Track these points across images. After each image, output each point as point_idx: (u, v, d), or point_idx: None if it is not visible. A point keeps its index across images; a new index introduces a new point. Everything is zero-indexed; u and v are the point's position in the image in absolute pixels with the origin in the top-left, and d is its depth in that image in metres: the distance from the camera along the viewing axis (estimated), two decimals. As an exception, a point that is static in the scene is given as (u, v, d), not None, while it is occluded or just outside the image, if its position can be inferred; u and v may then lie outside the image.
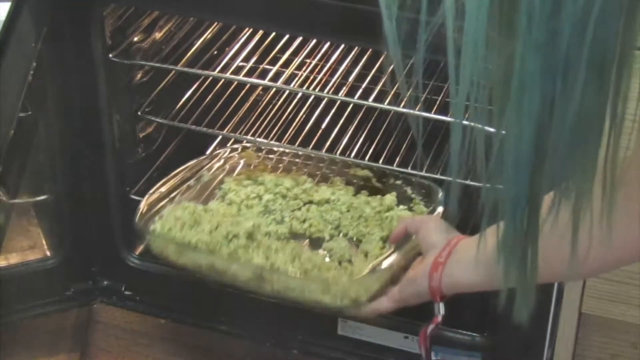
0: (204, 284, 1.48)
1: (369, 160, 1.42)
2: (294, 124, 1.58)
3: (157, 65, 1.46)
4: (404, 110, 1.32)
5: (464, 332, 1.33)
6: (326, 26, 1.21)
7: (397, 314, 1.36)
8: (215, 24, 1.59)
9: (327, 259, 1.25)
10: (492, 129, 0.56)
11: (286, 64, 1.53)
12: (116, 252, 1.48)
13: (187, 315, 1.48)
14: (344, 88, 1.51)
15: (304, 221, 1.32)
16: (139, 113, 1.47)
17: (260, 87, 1.68)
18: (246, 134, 1.55)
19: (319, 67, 1.60)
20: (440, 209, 1.28)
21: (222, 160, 1.43)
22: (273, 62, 1.54)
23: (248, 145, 1.47)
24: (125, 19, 1.39)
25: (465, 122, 0.55)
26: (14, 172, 1.32)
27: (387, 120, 1.52)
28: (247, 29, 1.62)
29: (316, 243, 1.30)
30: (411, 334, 1.35)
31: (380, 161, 1.40)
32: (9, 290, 1.36)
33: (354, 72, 1.51)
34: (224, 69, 1.51)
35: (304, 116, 1.60)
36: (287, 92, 1.65)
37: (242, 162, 1.44)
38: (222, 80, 1.56)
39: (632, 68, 0.54)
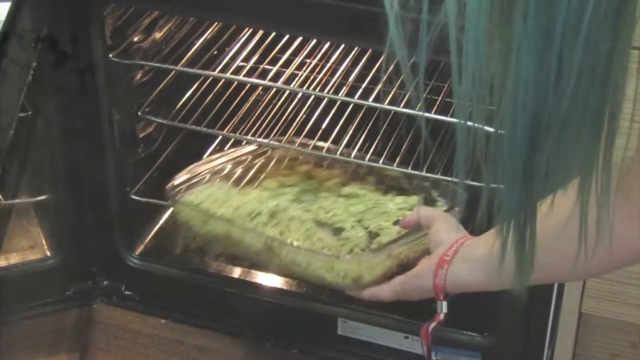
0: (203, 284, 1.48)
1: (369, 160, 1.42)
2: (294, 124, 1.58)
3: (157, 65, 1.46)
4: (404, 110, 1.32)
5: (464, 332, 1.33)
6: (326, 26, 1.21)
7: (397, 314, 1.36)
8: (215, 24, 1.59)
9: (346, 247, 1.28)
10: (491, 128, 0.56)
11: (286, 64, 1.53)
12: (116, 252, 1.48)
13: (187, 315, 1.48)
14: (344, 88, 1.51)
15: (329, 211, 1.35)
16: (139, 113, 1.47)
17: (261, 87, 1.68)
18: (246, 134, 1.55)
19: (319, 67, 1.60)
20: (456, 209, 1.30)
21: (263, 149, 1.47)
22: (273, 62, 1.54)
23: (294, 139, 1.49)
24: (125, 19, 1.39)
25: (469, 123, 0.56)
26: (14, 172, 1.32)
27: (387, 120, 1.52)
28: (247, 29, 1.62)
29: (336, 232, 1.32)
30: (411, 334, 1.35)
31: (381, 161, 1.40)
32: (9, 290, 1.36)
33: (354, 72, 1.51)
34: (224, 69, 1.51)
35: (304, 116, 1.60)
36: (287, 92, 1.64)
37: (279, 153, 1.47)
38: (222, 80, 1.56)
39: (626, 67, 0.54)
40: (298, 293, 1.45)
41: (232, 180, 1.40)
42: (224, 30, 1.62)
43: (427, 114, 1.31)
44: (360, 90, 1.42)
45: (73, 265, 1.46)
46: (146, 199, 1.50)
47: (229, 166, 1.44)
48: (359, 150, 1.44)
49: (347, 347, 1.41)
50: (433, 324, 1.08)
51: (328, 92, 1.49)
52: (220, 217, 1.30)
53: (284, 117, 1.63)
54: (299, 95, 1.64)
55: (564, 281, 1.20)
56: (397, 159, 1.41)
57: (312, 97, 1.60)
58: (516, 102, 0.53)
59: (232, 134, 1.53)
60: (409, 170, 1.39)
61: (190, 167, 1.42)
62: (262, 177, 1.41)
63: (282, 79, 1.45)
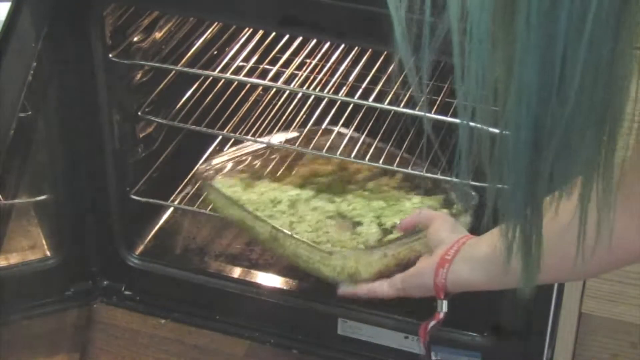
0: (204, 284, 1.48)
1: (369, 160, 1.42)
2: (294, 124, 1.58)
3: (157, 65, 1.46)
4: (404, 110, 1.32)
5: (464, 332, 1.33)
6: (326, 26, 1.21)
7: (397, 314, 1.36)
8: (215, 24, 1.59)
9: (354, 241, 1.30)
10: (496, 130, 0.56)
11: (286, 64, 1.53)
12: (116, 252, 1.48)
13: (187, 315, 1.48)
14: (344, 88, 1.51)
15: (350, 204, 1.36)
16: (139, 113, 1.47)
17: (261, 87, 1.68)
18: (246, 134, 1.55)
19: (319, 67, 1.59)
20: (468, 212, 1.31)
21: (300, 138, 1.48)
22: (273, 62, 1.54)
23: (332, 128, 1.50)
24: (125, 19, 1.39)
25: (472, 124, 0.56)
26: (13, 172, 1.32)
27: (387, 120, 1.52)
28: (247, 29, 1.62)
29: (355, 226, 1.33)
30: (411, 334, 1.35)
31: (381, 161, 1.40)
32: (9, 290, 1.36)
33: (354, 72, 1.51)
34: (224, 69, 1.51)
35: (304, 116, 1.60)
36: (287, 92, 1.64)
37: (315, 142, 1.47)
38: (222, 80, 1.56)
39: (629, 68, 0.54)
40: (298, 293, 1.45)
41: (267, 167, 1.43)
42: (224, 30, 1.62)
43: (429, 115, 1.31)
44: (360, 90, 1.42)
45: (73, 265, 1.46)
46: (146, 199, 1.50)
47: (266, 152, 1.46)
48: (359, 150, 1.44)
49: (347, 347, 1.41)
50: (432, 323, 1.09)
51: (328, 92, 1.49)
52: (236, 203, 1.34)
53: (284, 117, 1.63)
54: (299, 95, 1.64)
55: (564, 281, 1.20)
56: (397, 160, 1.41)
57: (312, 97, 1.60)
58: (520, 105, 0.53)
59: (232, 134, 1.53)
60: (409, 171, 1.39)
61: (227, 150, 1.47)
62: (298, 165, 1.45)
63: (282, 79, 1.45)
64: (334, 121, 1.53)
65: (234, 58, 1.56)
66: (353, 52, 1.56)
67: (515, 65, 0.52)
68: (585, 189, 0.57)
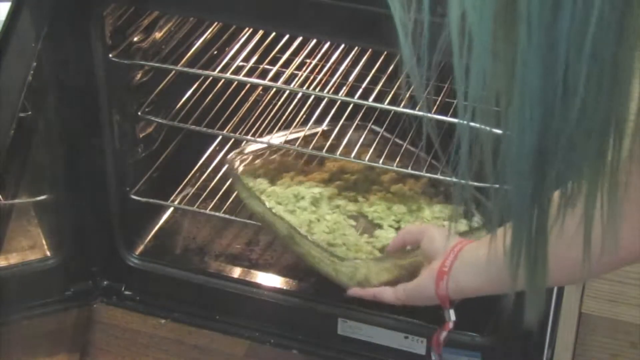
0: (204, 284, 1.48)
1: (368, 160, 1.42)
2: (294, 124, 1.58)
3: (157, 65, 1.46)
4: (404, 110, 1.32)
5: (464, 332, 1.33)
6: (326, 26, 1.21)
7: (397, 314, 1.36)
8: (215, 24, 1.59)
9: (369, 245, 1.31)
10: (498, 131, 0.56)
11: (286, 64, 1.53)
12: (116, 252, 1.48)
13: (187, 315, 1.48)
14: (344, 88, 1.51)
15: (372, 206, 1.38)
16: (139, 113, 1.47)
17: (260, 87, 1.68)
18: (246, 134, 1.55)
19: (319, 67, 1.60)
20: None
21: (334, 134, 1.47)
22: (273, 62, 1.54)
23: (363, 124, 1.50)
24: (125, 19, 1.39)
25: (472, 124, 0.56)
26: (13, 172, 1.32)
27: (387, 120, 1.52)
28: (247, 29, 1.62)
29: (375, 228, 1.35)
30: (411, 334, 1.36)
31: (381, 161, 1.40)
32: (9, 290, 1.36)
33: (354, 72, 1.51)
34: (224, 69, 1.51)
35: (304, 116, 1.60)
36: (287, 92, 1.64)
37: (348, 138, 1.46)
38: (222, 80, 1.56)
39: (632, 71, 0.54)
40: (298, 293, 1.45)
41: (298, 159, 1.45)
42: (224, 30, 1.62)
43: (429, 114, 1.31)
44: (360, 90, 1.42)
45: (73, 265, 1.46)
46: (146, 199, 1.50)
47: (297, 145, 1.45)
48: (359, 150, 1.44)
49: (347, 347, 1.41)
50: (444, 333, 1.08)
51: (328, 92, 1.49)
52: (258, 198, 1.35)
53: (284, 117, 1.63)
54: (299, 95, 1.64)
55: (567, 284, 1.20)
56: (396, 159, 1.41)
57: (312, 97, 1.60)
58: (523, 108, 0.53)
59: (232, 134, 1.53)
60: (409, 171, 1.39)
61: (260, 139, 1.46)
62: (329, 160, 1.45)
63: (282, 79, 1.45)
64: (334, 121, 1.53)
65: (233, 58, 1.57)
66: (353, 52, 1.56)
67: (518, 67, 0.52)
68: (590, 193, 0.57)
